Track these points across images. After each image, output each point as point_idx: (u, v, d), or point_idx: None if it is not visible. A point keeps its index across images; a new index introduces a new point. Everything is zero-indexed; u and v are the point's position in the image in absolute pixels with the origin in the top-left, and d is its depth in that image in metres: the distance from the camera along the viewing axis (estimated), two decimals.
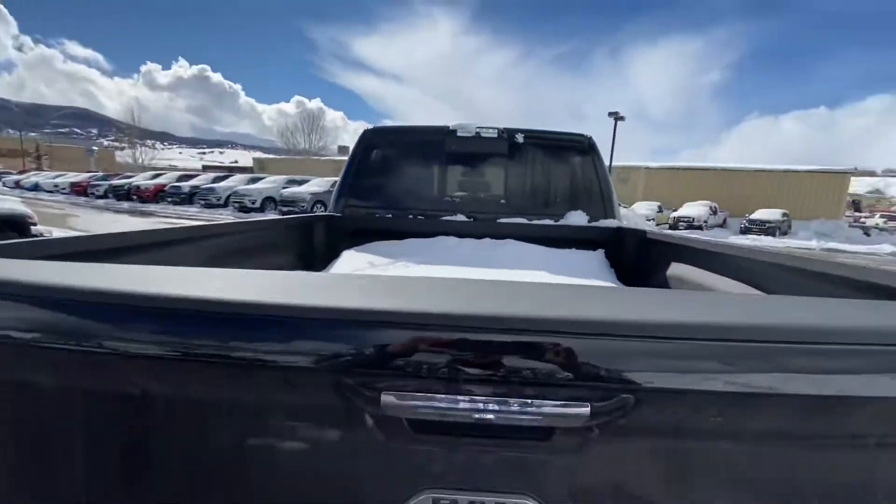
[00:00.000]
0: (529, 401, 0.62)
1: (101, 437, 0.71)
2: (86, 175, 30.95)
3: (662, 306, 0.75)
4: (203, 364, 0.65)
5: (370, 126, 3.17)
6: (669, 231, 13.31)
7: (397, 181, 3.00)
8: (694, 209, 23.87)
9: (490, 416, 0.62)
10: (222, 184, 22.70)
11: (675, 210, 24.58)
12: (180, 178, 25.29)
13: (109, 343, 0.66)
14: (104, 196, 25.60)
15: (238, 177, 25.39)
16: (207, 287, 0.72)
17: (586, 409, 0.61)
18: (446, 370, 0.62)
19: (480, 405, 0.62)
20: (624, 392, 0.62)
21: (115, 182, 26.25)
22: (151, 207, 21.56)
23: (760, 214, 23.76)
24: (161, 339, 0.65)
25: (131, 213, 18.63)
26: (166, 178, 25.50)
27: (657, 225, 19.59)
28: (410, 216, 2.86)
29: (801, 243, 19.43)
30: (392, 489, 0.67)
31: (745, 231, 22.56)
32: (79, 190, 26.63)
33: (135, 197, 24.25)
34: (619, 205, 3.28)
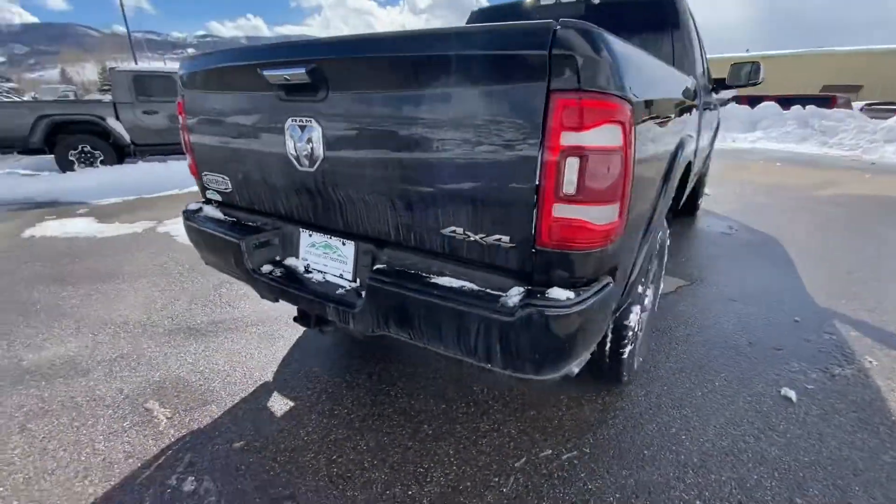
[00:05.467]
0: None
1: None
2: None
3: None
4: None
5: None
6: None
7: None
8: None
9: (298, 75, 1.30)
10: None
11: None
12: None
13: None
14: None
15: None
16: None
17: (302, 70, 1.27)
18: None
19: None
20: (314, 64, 1.28)
21: None
22: None
23: None
24: None
25: None
26: None
27: None
28: None
29: None
30: (281, 115, 1.43)
31: None
32: None
33: None
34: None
